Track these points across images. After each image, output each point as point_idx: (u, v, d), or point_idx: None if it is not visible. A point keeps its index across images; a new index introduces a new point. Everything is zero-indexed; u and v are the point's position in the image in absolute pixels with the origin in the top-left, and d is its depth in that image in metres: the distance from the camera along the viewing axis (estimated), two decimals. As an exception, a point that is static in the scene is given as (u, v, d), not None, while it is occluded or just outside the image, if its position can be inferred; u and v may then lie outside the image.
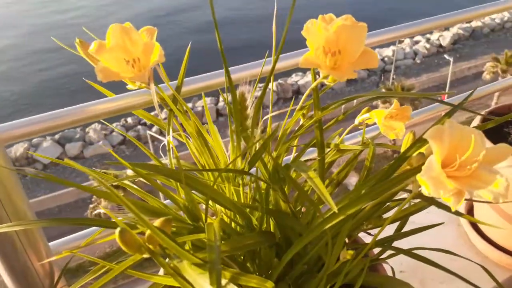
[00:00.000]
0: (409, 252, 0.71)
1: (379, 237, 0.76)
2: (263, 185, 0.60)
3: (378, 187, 0.51)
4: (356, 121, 0.79)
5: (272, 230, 0.68)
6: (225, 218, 0.63)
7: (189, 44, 0.70)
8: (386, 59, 22.02)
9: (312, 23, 0.48)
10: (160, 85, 0.68)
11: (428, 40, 22.70)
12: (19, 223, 0.55)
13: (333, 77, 0.58)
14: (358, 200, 0.51)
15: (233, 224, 0.64)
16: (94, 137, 18.27)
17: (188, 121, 0.65)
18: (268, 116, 0.57)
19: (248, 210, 0.65)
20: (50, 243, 0.74)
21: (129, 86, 0.61)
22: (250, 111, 0.53)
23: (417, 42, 22.95)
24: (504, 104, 1.28)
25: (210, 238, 0.43)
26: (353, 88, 20.82)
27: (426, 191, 0.44)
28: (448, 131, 0.46)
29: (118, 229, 0.39)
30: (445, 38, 22.67)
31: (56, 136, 18.53)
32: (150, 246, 0.43)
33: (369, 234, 0.87)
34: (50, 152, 17.63)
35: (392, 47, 22.00)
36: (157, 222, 0.41)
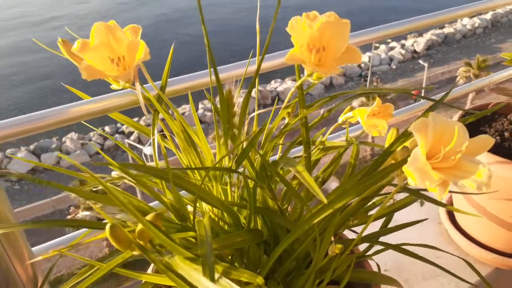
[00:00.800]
0: (397, 247, 0.72)
1: (364, 234, 0.78)
2: (250, 183, 0.60)
3: (364, 180, 0.51)
4: (340, 120, 0.80)
5: (260, 228, 0.68)
6: (213, 217, 0.63)
7: (173, 44, 0.70)
8: (362, 65, 22.40)
9: (297, 20, 0.49)
10: (144, 85, 0.68)
11: (403, 46, 23.19)
12: (1, 226, 0.54)
13: (317, 75, 0.59)
14: (346, 193, 0.52)
15: (221, 223, 0.64)
16: (71, 147, 17.95)
17: (174, 121, 0.64)
18: (254, 114, 0.58)
19: (236, 208, 0.65)
20: (34, 248, 0.72)
21: (113, 86, 0.61)
22: (237, 108, 0.54)
23: (392, 48, 23.41)
24: (481, 103, 1.31)
25: (201, 234, 0.43)
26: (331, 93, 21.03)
27: (412, 182, 0.45)
28: (432, 124, 0.47)
29: (108, 225, 0.38)
30: (419, 44, 23.19)
31: (31, 147, 18.14)
32: (141, 242, 0.42)
33: (354, 231, 0.89)
34: (25, 163, 17.25)
35: (368, 53, 22.38)
36: (148, 217, 0.40)
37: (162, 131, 0.67)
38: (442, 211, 1.36)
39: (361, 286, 0.76)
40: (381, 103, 0.72)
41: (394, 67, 22.67)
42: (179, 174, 0.56)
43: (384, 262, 1.23)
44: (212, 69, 0.58)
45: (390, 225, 0.76)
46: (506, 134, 1.15)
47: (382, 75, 22.41)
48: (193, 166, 0.63)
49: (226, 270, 0.45)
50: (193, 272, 0.37)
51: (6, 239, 0.64)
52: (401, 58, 22.70)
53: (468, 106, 1.39)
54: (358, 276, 0.74)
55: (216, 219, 0.64)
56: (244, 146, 0.55)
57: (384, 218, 0.78)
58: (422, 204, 1.03)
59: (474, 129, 1.16)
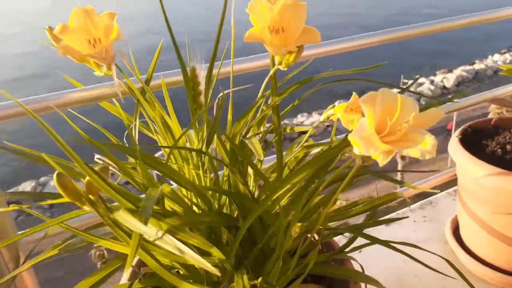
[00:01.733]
0: (383, 242, 0.71)
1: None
2: (226, 170, 0.62)
3: (317, 156, 0.53)
4: (322, 118, 0.82)
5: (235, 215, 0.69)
6: (186, 200, 0.65)
7: (161, 42, 0.75)
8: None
9: (256, 2, 0.52)
10: (130, 78, 0.72)
11: (432, 82, 22.97)
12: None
13: (286, 61, 0.62)
14: (301, 169, 0.53)
15: (194, 207, 0.65)
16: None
17: (154, 110, 0.68)
18: (221, 93, 0.60)
19: (210, 194, 0.67)
20: (21, 232, 0.75)
21: (96, 73, 0.65)
22: (202, 87, 0.56)
23: (421, 84, 23.23)
24: (483, 119, 1.30)
25: (150, 194, 0.45)
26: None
27: (357, 150, 0.46)
28: (381, 97, 0.48)
29: (56, 172, 0.41)
30: (449, 80, 22.93)
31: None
32: (91, 196, 0.45)
33: (338, 231, 0.88)
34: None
35: (395, 89, 22.25)
36: (97, 167, 0.43)
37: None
38: (447, 229, 1.34)
39: (343, 284, 0.76)
40: (357, 98, 0.73)
41: (423, 103, 22.43)
42: (148, 153, 0.59)
43: (384, 278, 1.21)
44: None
45: (386, 232, 0.75)
46: (508, 147, 1.13)
47: (411, 110, 22.14)
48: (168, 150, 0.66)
49: (172, 230, 0.46)
50: (131, 220, 0.39)
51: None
52: (431, 94, 22.46)
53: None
54: (338, 273, 0.74)
55: (189, 203, 0.66)
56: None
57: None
58: (409, 204, 1.01)
59: (477, 143, 1.15)
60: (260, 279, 0.58)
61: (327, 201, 0.67)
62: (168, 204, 0.67)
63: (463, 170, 1.15)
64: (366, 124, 0.47)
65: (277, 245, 0.60)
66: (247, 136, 0.60)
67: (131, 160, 0.69)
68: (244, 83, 0.69)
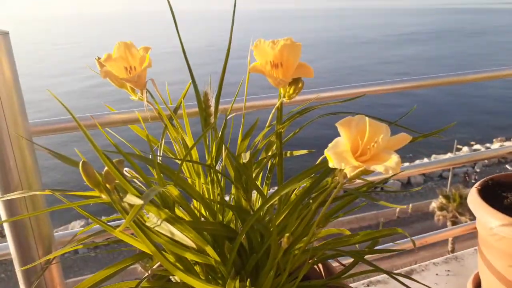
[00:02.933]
0: (386, 272, 0.75)
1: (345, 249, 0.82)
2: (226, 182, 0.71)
3: (304, 172, 0.61)
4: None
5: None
6: (195, 210, 0.74)
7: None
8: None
9: (260, 42, 0.64)
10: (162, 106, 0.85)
11: (487, 149, 22.04)
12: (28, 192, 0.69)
13: (288, 94, 0.72)
14: (289, 182, 0.61)
15: (198, 215, 0.74)
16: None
17: (178, 134, 0.79)
18: (230, 115, 0.70)
19: (218, 207, 0.76)
20: (56, 234, 0.87)
21: (132, 97, 0.78)
22: (212, 109, 0.67)
23: (475, 151, 22.36)
24: (508, 172, 1.31)
25: (156, 187, 0.55)
26: (408, 192, 20.40)
27: (330, 164, 0.54)
28: (356, 121, 0.56)
29: (81, 161, 0.52)
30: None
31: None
32: (108, 185, 0.55)
33: (341, 264, 0.93)
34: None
35: (449, 154, 21.59)
36: (115, 160, 0.53)
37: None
38: (469, 285, 1.32)
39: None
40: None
41: (478, 170, 21.52)
42: (165, 165, 0.69)
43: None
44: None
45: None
46: (527, 200, 1.14)
47: (465, 177, 21.30)
48: (187, 166, 0.76)
49: (170, 219, 0.55)
50: (133, 198, 0.48)
51: (35, 218, 0.80)
52: (486, 162, 21.51)
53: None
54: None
55: (197, 213, 0.75)
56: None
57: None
58: (415, 247, 1.02)
59: (496, 195, 1.17)
60: None
61: (322, 220, 0.74)
62: (179, 214, 0.77)
63: (481, 222, 1.16)
64: (341, 142, 0.55)
65: (270, 256, 0.67)
66: (251, 158, 0.69)
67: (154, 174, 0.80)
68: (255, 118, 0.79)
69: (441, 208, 17.07)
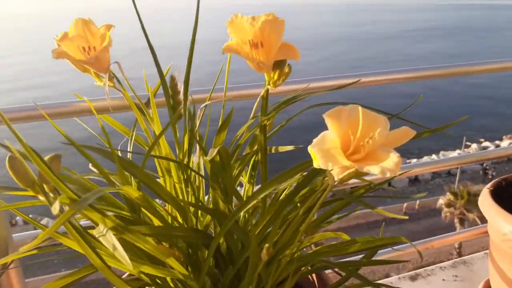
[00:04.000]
0: (376, 285, 0.66)
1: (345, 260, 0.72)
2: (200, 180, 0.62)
3: (285, 172, 0.51)
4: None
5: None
6: (164, 212, 0.64)
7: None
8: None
9: (237, 17, 0.53)
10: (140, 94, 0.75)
11: (497, 146, 21.82)
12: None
13: (273, 81, 0.62)
14: (268, 185, 0.51)
15: (170, 220, 0.64)
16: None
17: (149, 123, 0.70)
18: (204, 103, 0.60)
19: (192, 210, 0.66)
20: (14, 235, 0.78)
21: (96, 83, 0.68)
22: (181, 96, 0.57)
23: (485, 148, 22.13)
24: (520, 173, 1.21)
25: (101, 190, 0.45)
26: (416, 188, 20.27)
27: (315, 163, 0.44)
28: (347, 112, 0.46)
29: (8, 156, 0.42)
30: (517, 146, 21.58)
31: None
32: (44, 185, 0.45)
33: (337, 273, 0.83)
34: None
35: (458, 151, 21.37)
36: (46, 158, 0.44)
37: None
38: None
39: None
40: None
41: (487, 167, 21.23)
42: (126, 159, 0.60)
43: None
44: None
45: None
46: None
47: (473, 174, 21.04)
48: (156, 162, 0.66)
49: (119, 228, 0.46)
50: (56, 204, 0.38)
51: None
52: (496, 159, 21.25)
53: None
54: None
55: (169, 218, 0.65)
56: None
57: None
58: (420, 260, 0.92)
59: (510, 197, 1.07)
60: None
61: (311, 227, 0.64)
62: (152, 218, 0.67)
63: (493, 225, 1.06)
64: (328, 137, 0.44)
65: (248, 268, 0.57)
66: (228, 154, 0.59)
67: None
68: (240, 110, 0.69)
69: (449, 205, 16.85)
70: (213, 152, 0.50)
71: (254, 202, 0.52)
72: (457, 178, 19.90)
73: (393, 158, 0.42)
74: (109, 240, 0.42)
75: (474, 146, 22.41)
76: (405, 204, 18.46)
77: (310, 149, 0.44)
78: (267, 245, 0.54)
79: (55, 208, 0.35)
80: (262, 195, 0.51)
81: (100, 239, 0.43)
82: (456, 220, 16.51)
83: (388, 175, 0.41)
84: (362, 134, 0.45)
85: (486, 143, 22.49)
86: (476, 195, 16.58)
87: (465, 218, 16.21)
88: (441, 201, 17.26)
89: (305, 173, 0.62)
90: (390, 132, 0.46)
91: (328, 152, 0.44)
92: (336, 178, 0.42)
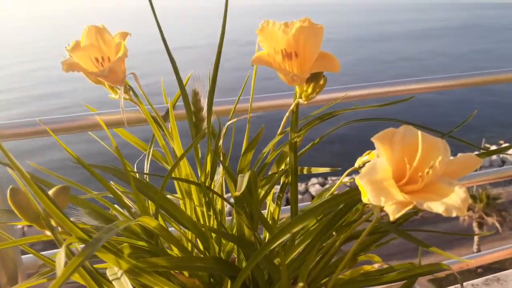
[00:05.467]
0: None
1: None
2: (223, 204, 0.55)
3: (324, 204, 0.44)
4: (356, 164, 0.72)
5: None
6: (184, 241, 0.58)
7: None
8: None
9: (268, 23, 0.47)
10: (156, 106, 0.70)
11: (517, 149, 21.29)
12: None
13: (306, 94, 0.55)
14: (303, 216, 0.44)
15: (190, 248, 0.58)
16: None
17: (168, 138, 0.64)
18: (230, 122, 0.54)
19: (215, 237, 0.60)
20: (24, 256, 0.73)
21: (111, 95, 0.63)
22: (204, 113, 0.51)
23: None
24: None
25: (116, 225, 0.39)
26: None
27: (364, 198, 0.37)
28: (401, 135, 0.39)
29: (10, 188, 0.37)
30: (538, 148, 21.10)
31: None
32: (51, 221, 0.40)
33: None
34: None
35: (475, 152, 20.94)
36: (51, 191, 0.38)
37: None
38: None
39: None
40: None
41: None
42: (144, 181, 0.54)
43: None
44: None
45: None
46: None
47: (492, 177, 20.61)
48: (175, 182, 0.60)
49: (135, 270, 0.39)
50: (61, 254, 0.33)
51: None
52: (516, 162, 20.75)
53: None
54: None
55: (189, 246, 0.59)
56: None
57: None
58: (460, 281, 0.84)
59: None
60: None
61: (350, 260, 0.57)
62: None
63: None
64: (380, 165, 0.38)
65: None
66: (255, 176, 0.53)
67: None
68: (265, 121, 0.63)
69: (467, 208, 16.53)
70: (242, 184, 0.44)
71: (288, 235, 0.45)
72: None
73: (459, 193, 0.36)
74: (125, 286, 0.36)
75: (493, 147, 21.98)
76: (421, 207, 18.07)
77: (357, 180, 0.37)
78: (301, 284, 0.47)
79: (61, 258, 0.29)
80: (298, 228, 0.45)
81: (114, 283, 0.37)
82: (474, 224, 16.16)
83: (454, 214, 0.35)
84: (420, 162, 0.38)
85: (506, 145, 22.00)
86: (495, 198, 16.22)
87: (484, 222, 15.85)
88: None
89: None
90: (451, 160, 0.39)
91: (381, 185, 0.37)
92: (391, 218, 0.35)
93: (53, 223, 0.40)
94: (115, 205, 0.63)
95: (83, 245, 0.34)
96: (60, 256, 0.29)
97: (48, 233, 0.40)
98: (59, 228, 0.41)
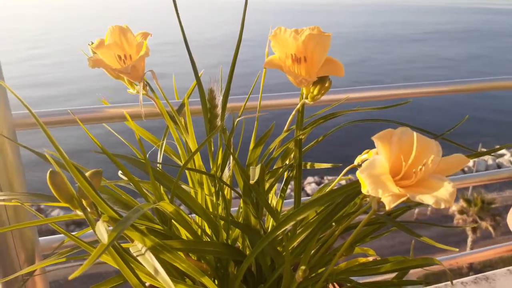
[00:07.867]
0: None
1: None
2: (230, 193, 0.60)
3: (324, 196, 0.49)
4: (356, 162, 0.77)
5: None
6: (194, 226, 0.63)
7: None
8: (466, 169, 21.01)
9: (281, 30, 0.52)
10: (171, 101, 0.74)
11: (513, 155, 21.48)
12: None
13: (312, 96, 0.60)
14: (306, 206, 0.49)
15: (200, 233, 0.63)
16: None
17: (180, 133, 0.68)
18: (240, 118, 0.59)
19: (223, 224, 0.64)
20: (41, 238, 0.77)
21: (129, 90, 0.67)
22: (218, 110, 0.56)
23: (501, 155, 21.81)
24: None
25: (141, 207, 0.44)
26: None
27: (363, 189, 0.42)
28: (399, 135, 0.44)
29: (49, 171, 0.41)
30: (534, 154, 21.28)
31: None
32: (83, 201, 0.44)
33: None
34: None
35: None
36: (87, 173, 0.43)
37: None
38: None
39: None
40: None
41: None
42: (161, 171, 0.58)
43: None
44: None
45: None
46: None
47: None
48: (187, 173, 0.65)
49: (157, 247, 0.44)
50: (101, 227, 0.37)
51: (15, 218, 0.70)
52: (511, 167, 20.88)
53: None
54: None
55: (197, 229, 0.64)
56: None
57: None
58: (450, 278, 0.89)
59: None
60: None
61: (347, 248, 0.62)
62: (180, 229, 0.66)
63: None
64: (379, 161, 0.43)
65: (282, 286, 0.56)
66: (263, 169, 0.58)
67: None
68: (272, 118, 0.67)
69: (461, 211, 16.62)
70: (255, 174, 0.48)
71: (292, 223, 0.50)
72: (470, 186, 19.62)
73: (448, 187, 0.40)
74: (150, 261, 0.40)
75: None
76: (416, 210, 18.28)
77: (358, 174, 0.42)
78: (303, 267, 0.52)
79: (102, 229, 0.34)
80: (301, 217, 0.49)
81: (139, 258, 0.42)
82: (468, 228, 16.27)
83: (443, 206, 0.39)
84: (414, 160, 0.43)
85: (503, 151, 22.12)
86: (490, 203, 16.33)
87: (478, 226, 15.96)
88: (454, 207, 17.03)
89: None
90: (442, 159, 0.44)
91: (378, 178, 0.42)
92: (387, 208, 0.40)
93: (84, 203, 0.44)
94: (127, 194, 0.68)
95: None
96: (100, 227, 0.34)
97: (79, 212, 0.45)
98: (89, 209, 0.45)
